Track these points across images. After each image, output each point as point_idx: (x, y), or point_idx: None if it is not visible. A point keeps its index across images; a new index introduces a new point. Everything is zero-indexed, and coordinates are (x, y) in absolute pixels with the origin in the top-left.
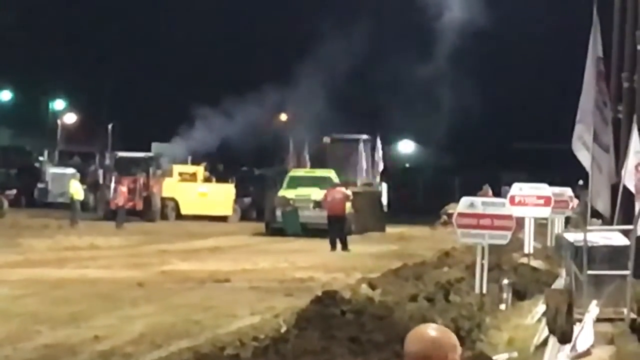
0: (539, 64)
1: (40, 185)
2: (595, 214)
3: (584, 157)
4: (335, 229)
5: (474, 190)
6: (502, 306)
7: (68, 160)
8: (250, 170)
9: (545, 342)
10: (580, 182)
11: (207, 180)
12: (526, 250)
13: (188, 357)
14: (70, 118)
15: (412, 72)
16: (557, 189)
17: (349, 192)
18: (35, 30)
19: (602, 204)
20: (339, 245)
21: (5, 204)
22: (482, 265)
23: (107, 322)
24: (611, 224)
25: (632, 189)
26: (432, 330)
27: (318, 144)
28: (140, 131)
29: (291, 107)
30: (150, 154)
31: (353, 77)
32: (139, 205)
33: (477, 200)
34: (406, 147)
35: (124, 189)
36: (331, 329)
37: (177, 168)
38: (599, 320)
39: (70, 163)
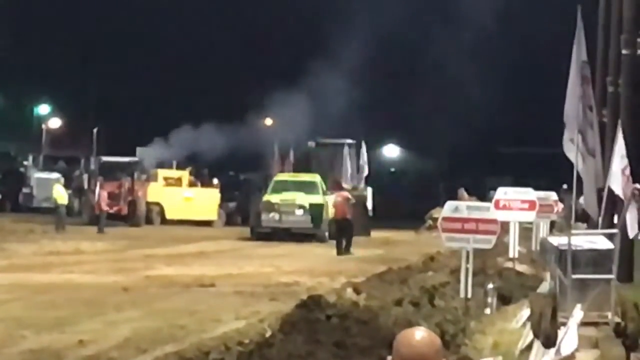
0: (524, 68)
1: (25, 190)
2: (580, 217)
3: (574, 158)
4: (338, 233)
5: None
6: (487, 310)
7: (53, 165)
8: (236, 174)
9: (529, 347)
10: (565, 186)
11: (192, 184)
12: (511, 255)
13: None
14: (55, 123)
15: (398, 78)
16: (542, 193)
17: (348, 195)
18: (20, 35)
19: (591, 208)
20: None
21: None
22: (467, 269)
23: (92, 327)
24: (596, 227)
25: (619, 193)
26: (424, 333)
27: (303, 149)
28: (125, 136)
29: (276, 112)
30: (135, 159)
31: (338, 82)
32: (124, 210)
33: (462, 204)
34: (391, 151)
35: (104, 193)
36: (316, 334)
37: (162, 173)
38: (583, 324)
39: (55, 168)
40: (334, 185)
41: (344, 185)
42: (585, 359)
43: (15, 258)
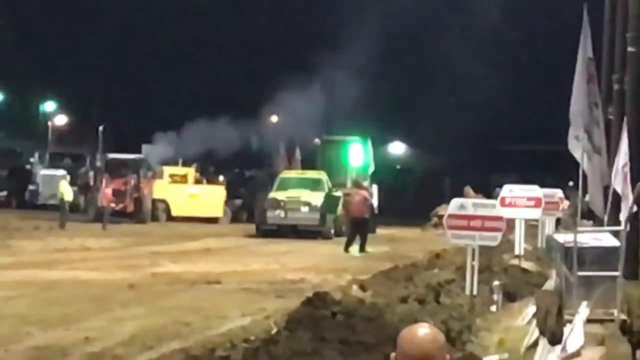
0: (529, 65)
1: (31, 187)
2: (586, 215)
3: (580, 155)
4: (353, 231)
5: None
6: (493, 308)
7: (59, 162)
8: (241, 171)
9: (535, 344)
10: (571, 183)
11: (197, 181)
12: (517, 252)
13: (179, 359)
14: (61, 120)
15: (404, 76)
16: (548, 191)
17: (367, 194)
18: (26, 32)
19: (596, 205)
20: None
21: None
22: (473, 266)
23: (98, 324)
24: (602, 225)
25: (619, 190)
26: (427, 329)
27: (309, 146)
28: (131, 133)
29: (282, 109)
30: (140, 156)
31: (345, 79)
32: (130, 207)
33: (468, 201)
34: (397, 148)
35: (107, 190)
36: (322, 331)
37: (168, 170)
38: (589, 321)
39: (61, 165)
40: (355, 184)
41: (364, 184)
42: (591, 356)
43: (21, 255)
